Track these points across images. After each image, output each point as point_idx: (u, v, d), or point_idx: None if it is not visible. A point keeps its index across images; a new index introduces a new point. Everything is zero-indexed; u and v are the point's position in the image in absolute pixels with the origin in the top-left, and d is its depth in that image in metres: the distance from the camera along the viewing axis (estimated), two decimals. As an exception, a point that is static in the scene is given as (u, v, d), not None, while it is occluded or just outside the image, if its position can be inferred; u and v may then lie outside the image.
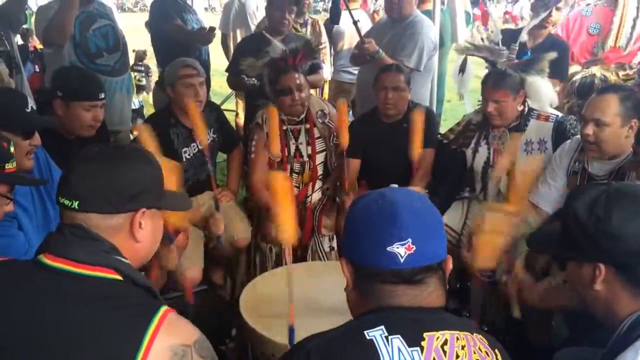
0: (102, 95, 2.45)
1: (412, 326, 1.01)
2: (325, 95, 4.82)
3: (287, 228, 1.80)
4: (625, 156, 2.19)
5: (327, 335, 1.03)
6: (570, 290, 1.31)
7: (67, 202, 1.16)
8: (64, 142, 2.45)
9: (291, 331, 1.66)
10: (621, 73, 3.90)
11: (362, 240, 1.07)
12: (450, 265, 1.11)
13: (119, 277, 1.13)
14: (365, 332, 0.99)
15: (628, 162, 2.16)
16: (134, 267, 1.18)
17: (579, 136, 2.34)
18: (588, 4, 4.35)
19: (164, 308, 1.09)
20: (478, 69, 3.23)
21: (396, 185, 1.14)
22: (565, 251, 1.27)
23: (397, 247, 1.02)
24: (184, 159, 2.83)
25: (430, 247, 1.06)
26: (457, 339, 1.01)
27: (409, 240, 1.03)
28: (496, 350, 1.05)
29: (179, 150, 2.81)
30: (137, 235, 1.20)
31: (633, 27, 3.78)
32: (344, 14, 4.16)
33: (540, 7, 3.61)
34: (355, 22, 3.43)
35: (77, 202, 1.15)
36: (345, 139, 2.79)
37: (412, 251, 1.03)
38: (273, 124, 2.77)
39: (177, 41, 3.63)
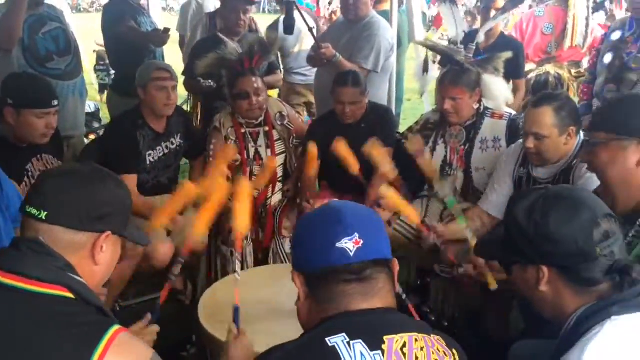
0: (55, 102, 2.38)
1: (372, 330, 1.02)
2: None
3: (241, 218, 1.82)
4: (567, 159, 2.27)
5: (288, 347, 1.03)
6: (520, 292, 1.33)
7: (34, 211, 1.14)
8: (16, 150, 2.38)
9: (236, 310, 1.65)
10: (574, 71, 4.03)
11: (310, 244, 1.10)
12: (397, 267, 1.14)
13: (71, 296, 1.10)
14: (326, 339, 0.99)
15: (581, 153, 2.22)
16: (87, 286, 1.16)
17: (521, 141, 2.40)
18: (540, 5, 4.47)
19: (115, 327, 1.07)
20: (434, 69, 3.28)
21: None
22: (509, 256, 1.30)
23: (346, 242, 1.05)
24: (148, 162, 2.79)
25: (377, 241, 1.10)
26: (416, 340, 1.02)
27: (356, 234, 1.06)
28: (454, 350, 1.07)
29: (143, 152, 2.77)
30: (97, 258, 1.19)
31: (586, 25, 3.90)
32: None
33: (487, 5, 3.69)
34: (310, 29, 3.42)
35: (45, 213, 1.13)
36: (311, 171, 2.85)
37: (360, 245, 1.05)
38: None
39: (131, 43, 3.57)
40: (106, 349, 1.03)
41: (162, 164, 2.86)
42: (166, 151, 2.86)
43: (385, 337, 1.01)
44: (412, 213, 2.19)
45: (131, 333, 1.14)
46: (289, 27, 3.30)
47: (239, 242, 1.90)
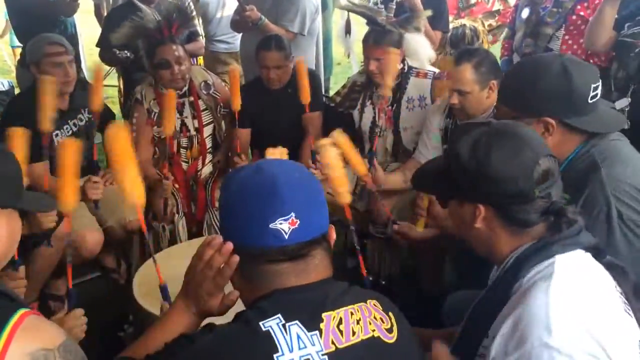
0: None
1: (309, 309, 0.97)
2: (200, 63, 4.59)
3: (133, 189, 1.55)
4: (491, 111, 2.33)
5: (220, 332, 0.97)
6: (454, 228, 1.33)
7: None
8: None
9: (163, 289, 1.62)
10: (487, 23, 4.13)
11: (241, 220, 1.01)
12: (333, 235, 1.08)
13: None
14: (260, 323, 0.94)
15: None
16: None
17: (446, 94, 2.45)
18: None
19: (21, 311, 1.00)
20: (362, 30, 3.26)
21: (271, 158, 1.07)
22: (446, 190, 1.28)
23: (280, 223, 0.97)
24: (56, 143, 2.63)
25: (315, 219, 1.02)
26: (352, 314, 0.99)
27: (292, 214, 0.97)
28: (390, 314, 1.04)
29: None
30: None
31: None
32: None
33: None
34: None
35: None
36: (237, 105, 2.73)
37: (296, 226, 0.98)
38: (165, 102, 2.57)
39: (38, 14, 3.32)
40: (11, 334, 0.96)
41: None
42: (74, 129, 2.70)
43: (323, 314, 0.97)
44: (359, 162, 2.03)
45: (51, 320, 1.08)
46: None
47: (140, 218, 1.73)
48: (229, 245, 1.03)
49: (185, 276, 1.13)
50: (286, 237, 0.97)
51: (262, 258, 0.99)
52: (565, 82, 1.49)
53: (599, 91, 1.53)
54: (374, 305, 1.04)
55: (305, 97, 2.70)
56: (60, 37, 2.69)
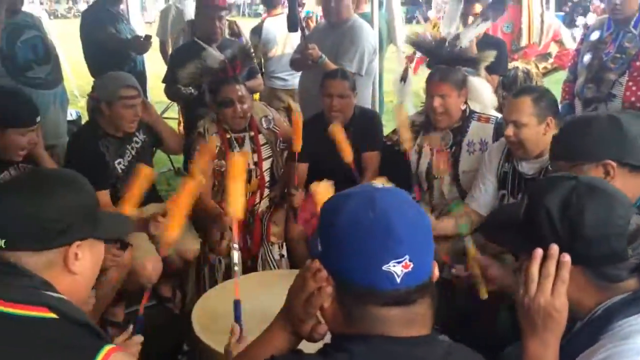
0: (38, 119, 2.35)
1: None
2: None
3: (235, 201, 1.80)
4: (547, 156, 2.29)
5: None
6: (515, 286, 1.26)
7: None
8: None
9: (236, 304, 1.65)
10: (541, 65, 4.08)
11: (350, 257, 0.94)
12: (437, 273, 1.01)
13: (53, 315, 1.04)
14: None
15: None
16: (69, 303, 1.10)
17: (504, 138, 2.42)
18: None
19: (107, 347, 1.03)
20: (418, 80, 3.30)
21: (380, 184, 1.00)
22: (526, 245, 1.20)
23: (394, 266, 0.91)
24: (119, 170, 2.74)
25: (427, 260, 0.96)
26: None
27: (407, 257, 0.92)
28: None
29: (110, 163, 2.71)
30: (74, 268, 1.14)
31: (541, 22, 3.94)
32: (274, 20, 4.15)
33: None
34: (302, 28, 3.42)
35: (3, 241, 1.08)
36: (298, 146, 2.78)
37: (409, 269, 0.92)
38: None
39: (111, 50, 3.52)
40: None
41: (134, 167, 2.80)
42: (133, 153, 2.80)
43: None
44: None
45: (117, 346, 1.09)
46: (293, 25, 3.25)
47: (235, 229, 1.88)
48: (323, 274, 0.98)
49: (287, 294, 1.10)
50: (398, 280, 0.92)
51: (368, 298, 0.93)
52: (616, 127, 1.56)
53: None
54: None
55: (347, 156, 2.69)
56: (134, 80, 2.79)
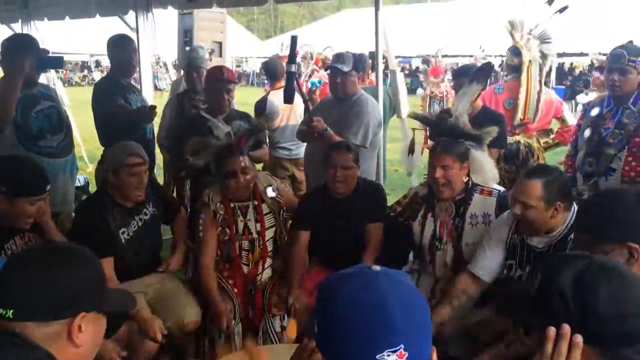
0: (48, 187, 2.38)
1: None
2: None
3: None
4: (563, 229, 2.31)
5: None
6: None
7: (1, 310, 1.11)
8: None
9: None
10: (542, 140, 4.14)
11: (346, 343, 0.94)
12: (435, 358, 1.00)
13: None
14: None
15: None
16: None
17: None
18: (498, 82, 4.58)
19: None
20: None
21: (378, 267, 1.01)
22: (540, 321, 1.20)
23: (388, 355, 0.91)
24: (123, 240, 2.76)
25: (424, 347, 0.96)
26: None
27: (402, 346, 0.91)
28: None
29: (115, 232, 2.73)
30: (77, 340, 1.15)
31: (538, 100, 4.02)
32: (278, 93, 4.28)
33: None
34: (305, 101, 3.52)
35: (11, 311, 1.11)
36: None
37: (403, 359, 0.92)
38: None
39: (120, 122, 3.59)
40: None
41: (139, 238, 2.82)
42: (140, 224, 2.83)
43: None
44: None
45: None
46: (289, 97, 3.35)
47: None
48: (318, 356, 0.99)
49: None
50: None
51: None
52: None
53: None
54: None
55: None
56: (140, 149, 2.86)
